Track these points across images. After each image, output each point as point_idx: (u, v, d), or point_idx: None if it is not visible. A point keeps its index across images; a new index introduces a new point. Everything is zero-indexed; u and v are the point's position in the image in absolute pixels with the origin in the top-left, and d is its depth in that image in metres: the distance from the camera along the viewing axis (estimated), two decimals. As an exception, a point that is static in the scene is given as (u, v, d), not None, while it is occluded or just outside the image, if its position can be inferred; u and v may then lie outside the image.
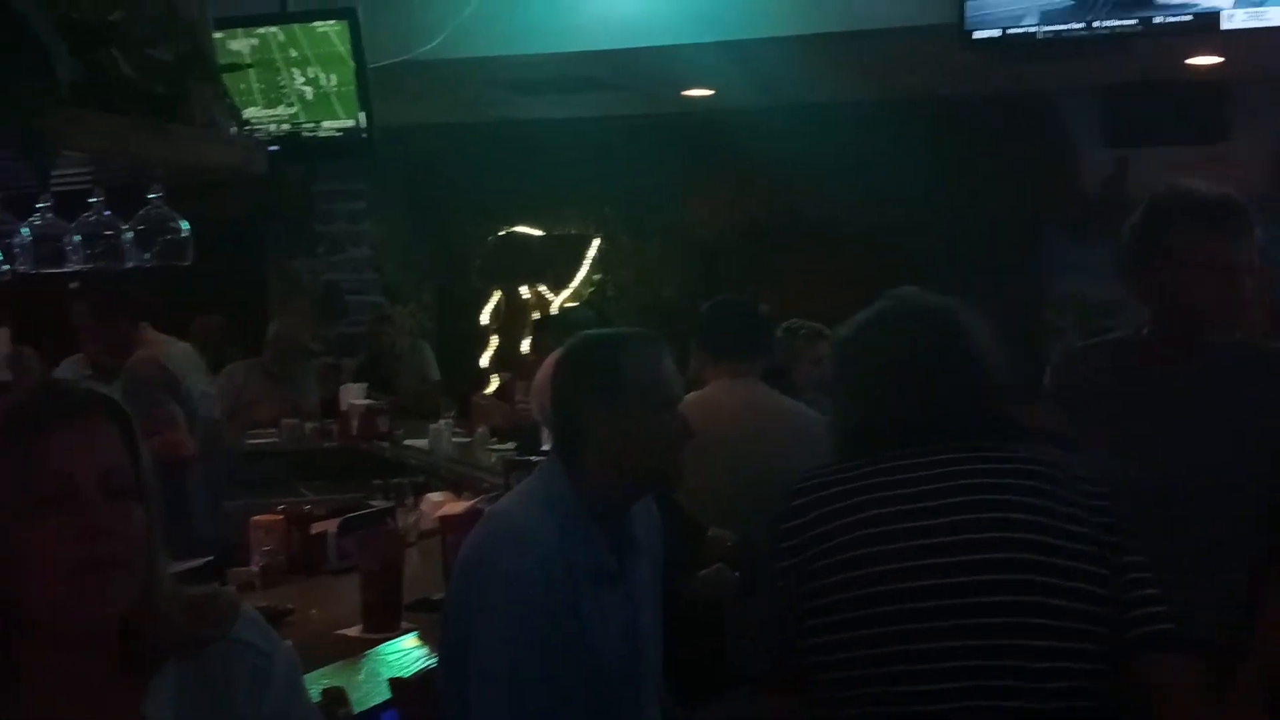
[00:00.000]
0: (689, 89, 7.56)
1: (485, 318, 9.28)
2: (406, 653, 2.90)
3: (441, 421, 6.22)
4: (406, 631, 3.02)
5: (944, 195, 7.74)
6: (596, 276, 9.14)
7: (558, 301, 9.02)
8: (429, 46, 6.11)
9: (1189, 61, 6.64)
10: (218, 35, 3.06)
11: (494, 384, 8.50)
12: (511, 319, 9.07)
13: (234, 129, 2.84)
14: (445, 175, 8.88)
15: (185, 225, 2.73)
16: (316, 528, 3.69)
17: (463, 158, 8.60)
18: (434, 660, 2.61)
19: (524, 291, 9.18)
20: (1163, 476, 2.46)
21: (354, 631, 3.03)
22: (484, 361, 9.12)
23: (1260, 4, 5.45)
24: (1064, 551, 1.92)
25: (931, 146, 7.72)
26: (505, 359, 8.76)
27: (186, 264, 2.73)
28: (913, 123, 7.63)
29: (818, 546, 1.96)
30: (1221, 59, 6.59)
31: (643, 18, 6.17)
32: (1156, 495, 2.40)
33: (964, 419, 2.02)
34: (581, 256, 9.13)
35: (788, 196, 8.19)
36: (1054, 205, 7.82)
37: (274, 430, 6.69)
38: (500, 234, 9.21)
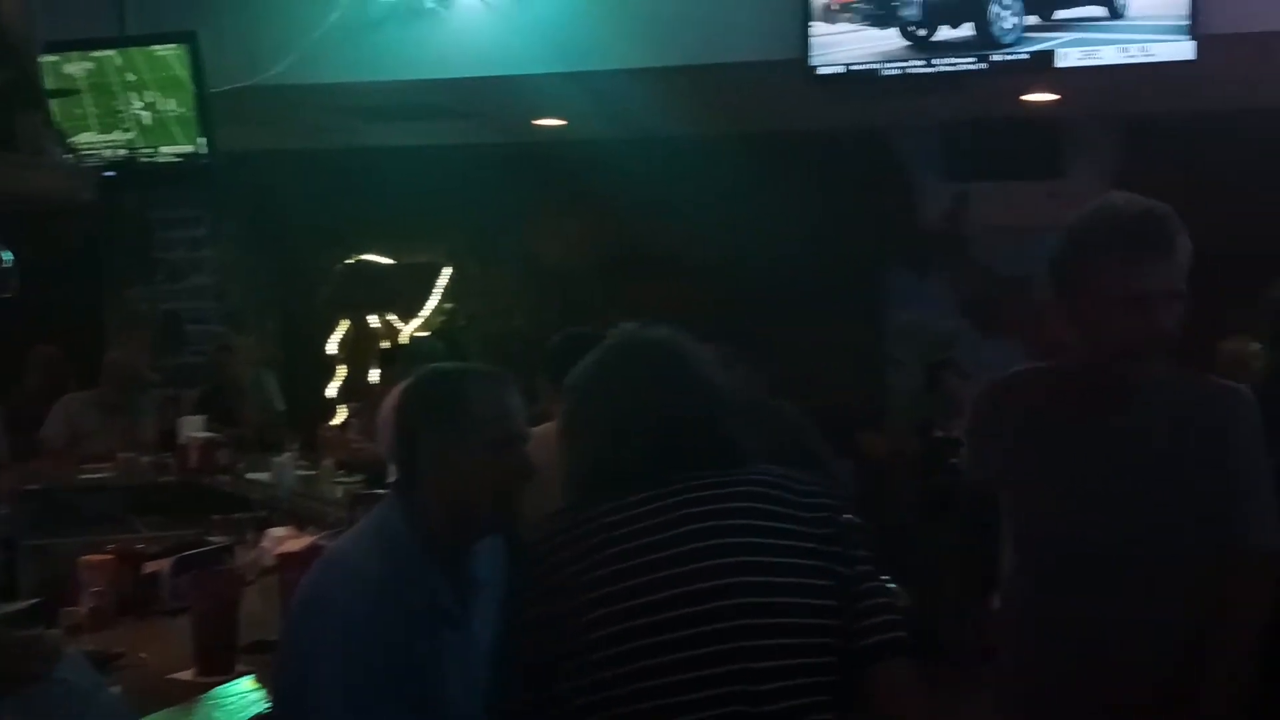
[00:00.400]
0: (540, 119, 7.56)
1: (332, 347, 9.12)
2: (241, 696, 2.81)
3: (285, 454, 6.08)
4: (242, 675, 2.92)
5: (790, 228, 7.84)
6: (447, 306, 9.06)
7: (407, 331, 8.92)
8: (274, 71, 6.01)
9: (1025, 98, 6.84)
10: (52, 58, 2.98)
11: (341, 415, 8.36)
12: (359, 349, 8.93)
13: (62, 155, 2.74)
14: (292, 202, 8.73)
15: (8, 256, 2.62)
16: (149, 567, 3.57)
17: (310, 184, 8.46)
18: (269, 705, 2.53)
19: (372, 320, 9.05)
20: (1103, 519, 2.34)
21: (187, 675, 2.93)
22: (331, 392, 8.96)
23: (1092, 44, 5.66)
24: (782, 568, 1.96)
25: (778, 180, 7.82)
26: (353, 390, 8.62)
27: (9, 295, 2.62)
28: (760, 156, 7.72)
29: (562, 594, 1.98)
30: (1057, 96, 6.80)
31: (493, 47, 6.15)
32: (1095, 536, 2.33)
33: (691, 448, 2.06)
34: (431, 285, 9.04)
35: (638, 228, 8.22)
36: (896, 238, 7.98)
37: (110, 464, 6.49)
38: (348, 262, 9.07)
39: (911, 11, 5.84)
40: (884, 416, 7.84)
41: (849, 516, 2.07)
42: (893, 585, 4.68)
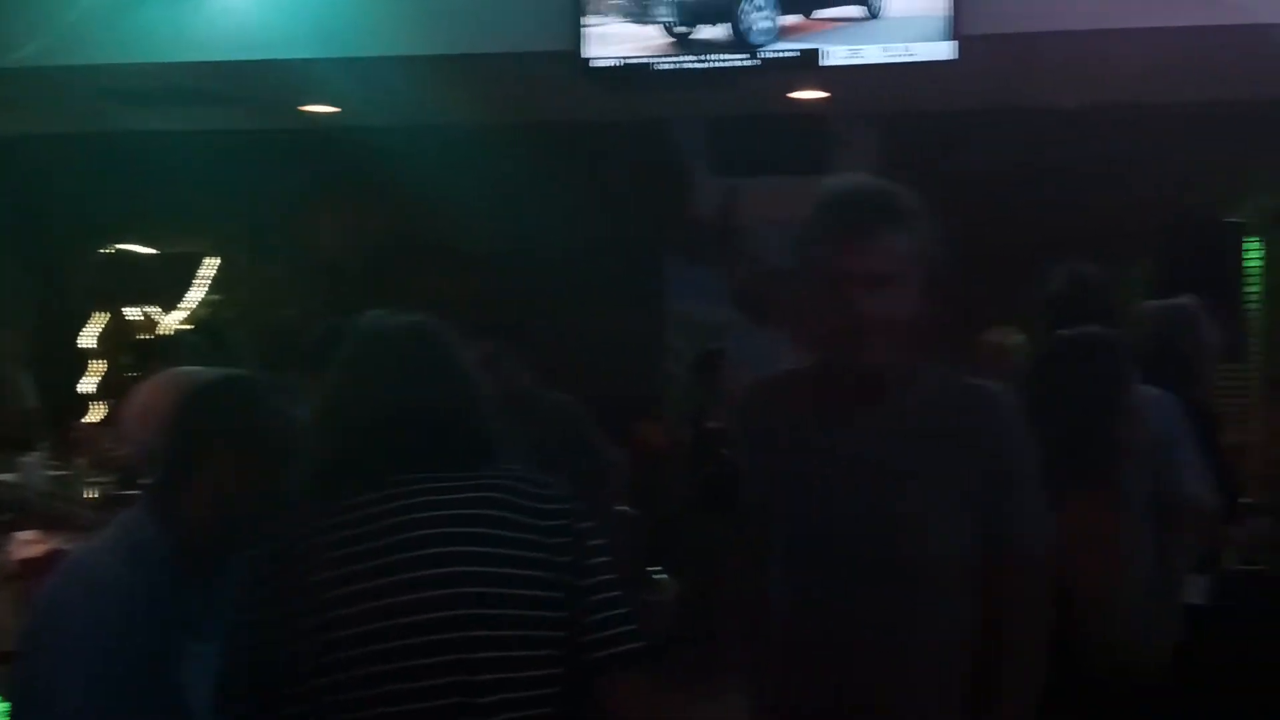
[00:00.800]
0: (308, 105, 7.37)
1: (88, 341, 8.72)
2: (-21, 711, 2.64)
3: (35, 453, 5.78)
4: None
5: (567, 218, 7.83)
6: (212, 298, 8.75)
7: (167, 323, 8.59)
8: (24, 53, 5.70)
9: (794, 95, 6.98)
10: None
11: (97, 412, 8.00)
12: (118, 342, 8.56)
13: None
14: (47, 189, 8.31)
15: None
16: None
17: (66, 171, 8.07)
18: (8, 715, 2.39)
19: (132, 313, 8.69)
20: (854, 524, 2.23)
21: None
22: (87, 388, 8.57)
23: (857, 44, 5.81)
24: (515, 579, 1.92)
25: (555, 170, 7.80)
26: (110, 385, 8.26)
27: None
28: (537, 147, 7.69)
29: (292, 592, 1.91)
30: (825, 94, 6.96)
31: (260, 29, 5.98)
32: (845, 540, 2.23)
33: (433, 443, 2.00)
34: (195, 276, 8.73)
35: (414, 218, 8.10)
36: (671, 230, 8.05)
37: None
38: (106, 251, 8.69)
39: (664, 11, 5.91)
40: (661, 406, 7.90)
41: (588, 524, 2.02)
42: (663, 575, 4.71)
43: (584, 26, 5.90)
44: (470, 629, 1.88)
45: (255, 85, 6.74)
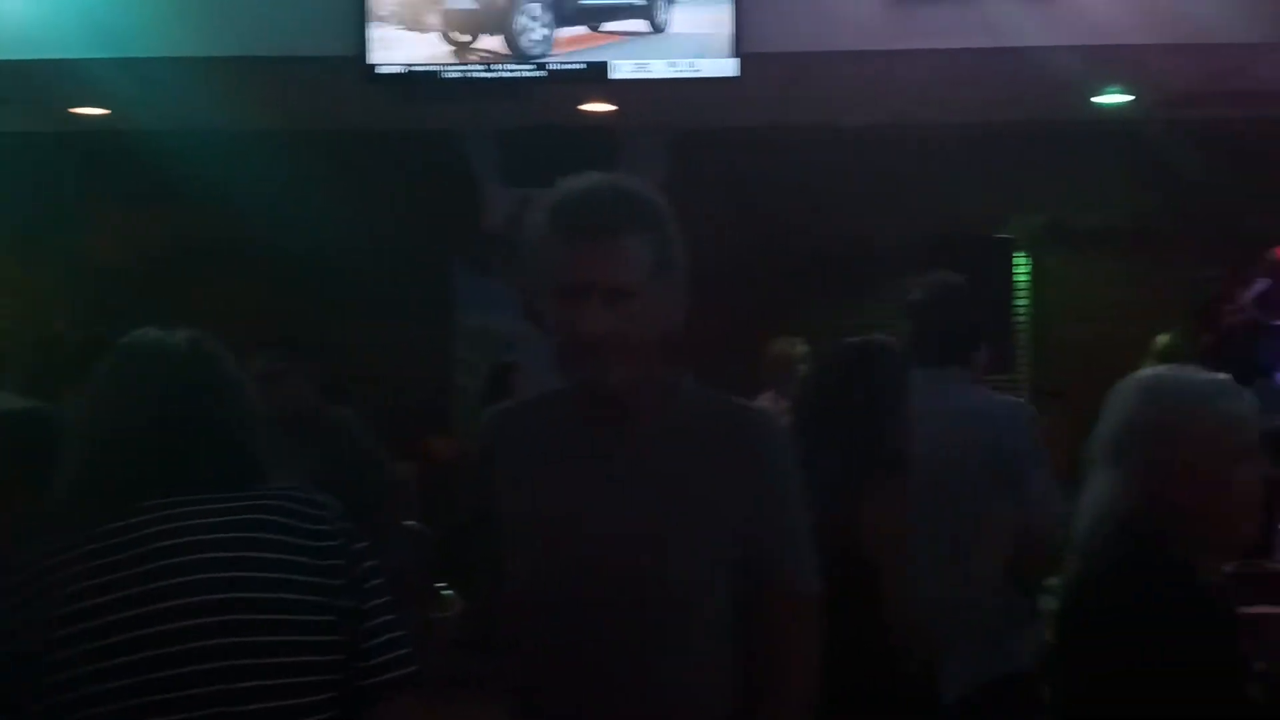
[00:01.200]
0: (80, 107, 7.08)
1: None
2: None
3: None
4: None
5: (355, 227, 7.71)
6: (-22, 307, 8.33)
7: (-72, 335, 8.14)
8: None
9: (583, 107, 7.01)
10: None
11: None
12: None
13: None
14: None
15: None
16: None
17: None
18: None
19: (-112, 323, 8.21)
20: (599, 559, 2.00)
21: None
22: None
23: (644, 58, 5.87)
24: (284, 604, 1.86)
25: (343, 178, 7.67)
26: None
27: None
28: (323, 153, 7.55)
29: (27, 630, 1.80)
30: (614, 106, 7.01)
31: (28, 28, 5.74)
32: (582, 575, 2.01)
33: (197, 463, 1.93)
34: (-42, 285, 8.30)
35: (195, 225, 7.85)
36: (460, 241, 8.00)
37: None
38: None
39: (436, 20, 5.88)
40: (452, 419, 7.83)
41: (363, 544, 1.96)
42: (449, 592, 4.66)
43: (369, 33, 5.81)
44: (232, 658, 1.81)
45: (24, 86, 6.45)
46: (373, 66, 5.85)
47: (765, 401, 5.80)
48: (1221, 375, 2.16)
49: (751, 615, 2.04)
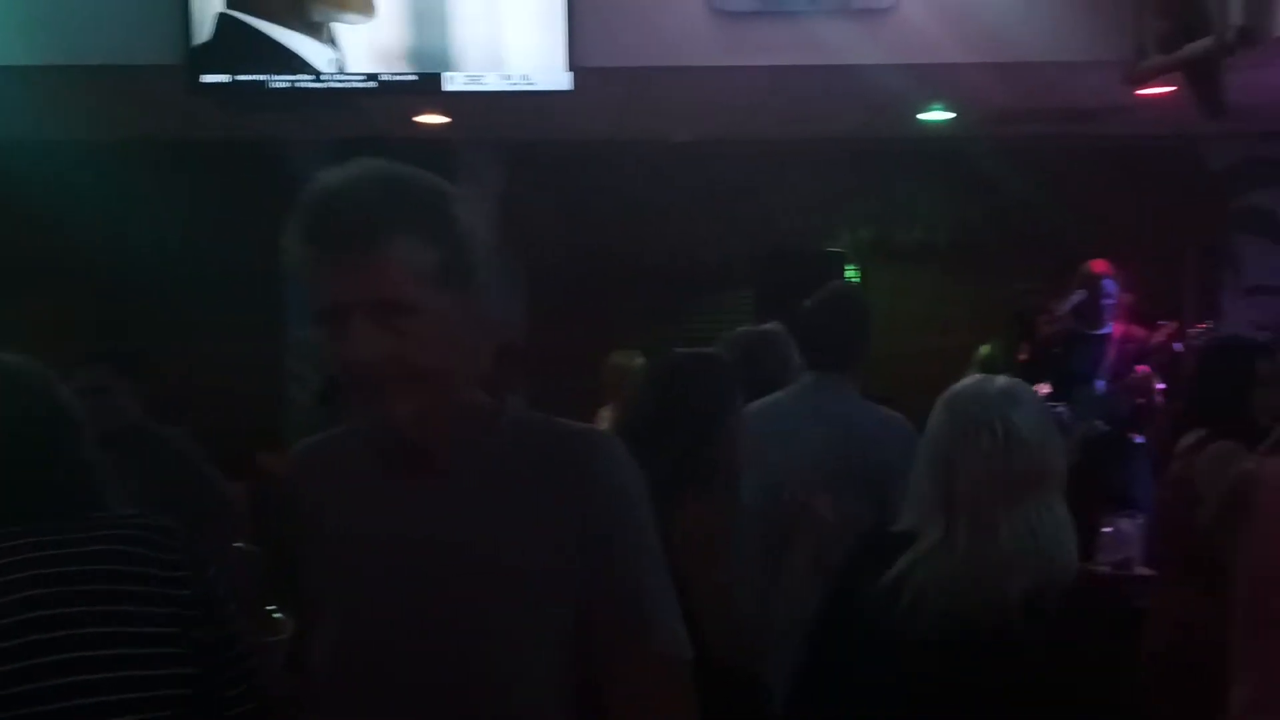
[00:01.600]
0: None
1: None
2: None
3: None
4: None
5: (184, 238, 7.52)
6: None
7: None
8: None
9: (417, 119, 6.94)
10: None
11: None
12: None
13: None
14: None
15: None
16: None
17: None
18: None
19: None
20: (394, 615, 1.65)
21: None
22: None
23: (478, 70, 5.84)
24: (138, 638, 1.82)
25: (167, 190, 7.47)
26: None
27: None
28: (148, 164, 7.34)
29: None
30: (448, 119, 6.96)
31: None
32: (385, 641, 1.66)
33: (26, 494, 1.87)
34: None
35: (11, 238, 7.56)
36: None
37: None
38: None
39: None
40: (284, 435, 7.67)
41: (213, 570, 1.93)
42: (279, 615, 4.54)
43: (194, 41, 5.68)
44: (83, 696, 1.76)
45: None
46: (197, 75, 5.72)
47: (605, 415, 5.81)
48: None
49: (611, 686, 1.68)
